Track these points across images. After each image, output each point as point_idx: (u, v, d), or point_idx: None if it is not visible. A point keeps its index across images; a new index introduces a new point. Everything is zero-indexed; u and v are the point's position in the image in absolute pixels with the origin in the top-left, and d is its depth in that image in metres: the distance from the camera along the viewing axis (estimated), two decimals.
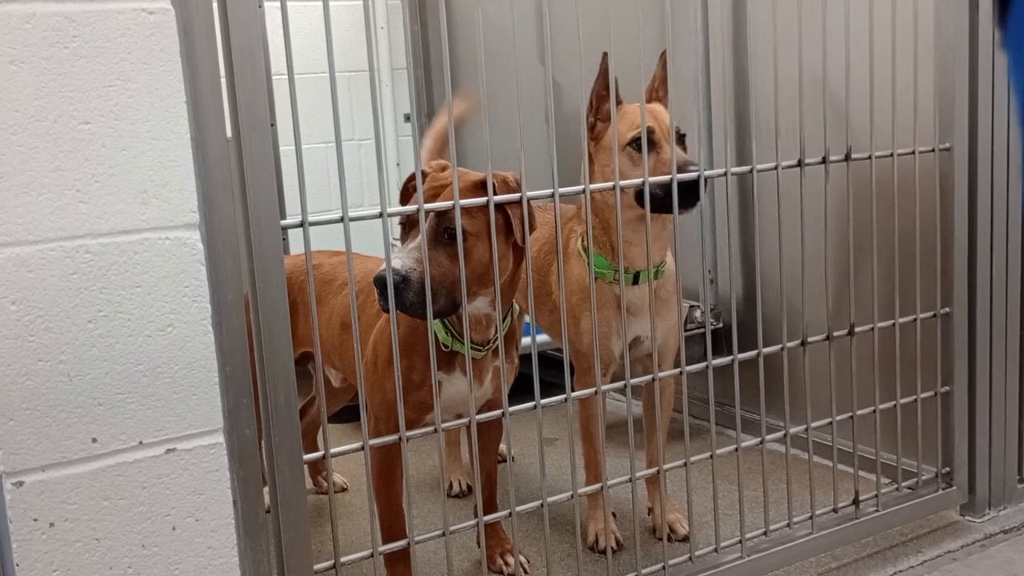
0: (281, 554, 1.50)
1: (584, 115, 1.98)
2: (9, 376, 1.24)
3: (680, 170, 1.83)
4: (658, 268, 2.09)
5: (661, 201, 1.85)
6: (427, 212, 1.66)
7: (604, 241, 2.08)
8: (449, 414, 1.90)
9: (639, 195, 1.90)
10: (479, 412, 1.77)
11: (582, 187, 1.74)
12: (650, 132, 1.93)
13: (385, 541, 1.85)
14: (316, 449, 2.61)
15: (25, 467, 1.26)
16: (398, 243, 1.76)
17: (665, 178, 1.81)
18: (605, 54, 1.85)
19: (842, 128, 1.96)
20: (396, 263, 1.66)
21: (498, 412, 1.73)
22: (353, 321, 1.55)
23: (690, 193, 1.83)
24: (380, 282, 1.65)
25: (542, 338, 2.70)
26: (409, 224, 1.75)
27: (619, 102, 2.01)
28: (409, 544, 1.68)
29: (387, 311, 1.63)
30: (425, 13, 3.96)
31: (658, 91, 2.09)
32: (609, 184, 1.80)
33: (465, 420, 1.71)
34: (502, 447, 2.87)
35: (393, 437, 1.64)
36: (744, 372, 1.94)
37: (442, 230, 1.71)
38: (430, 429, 1.66)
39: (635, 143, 1.98)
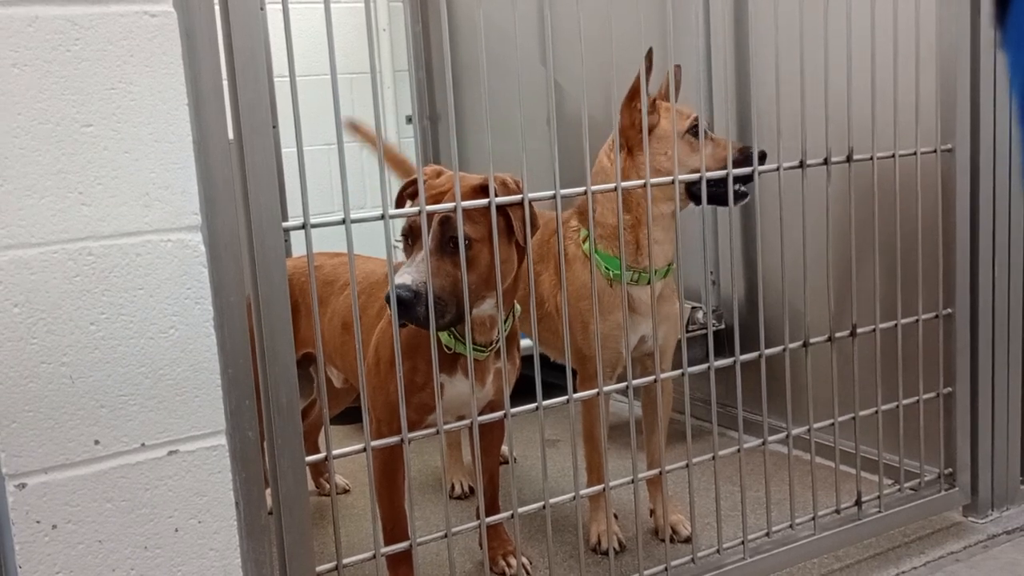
0: (283, 556, 1.51)
1: (619, 110, 2.00)
2: (12, 378, 1.25)
3: (742, 154, 1.93)
4: (669, 266, 2.09)
5: (721, 187, 1.91)
6: (430, 220, 1.66)
7: (630, 239, 2.07)
8: (451, 415, 1.90)
9: (691, 187, 1.95)
10: (480, 414, 1.77)
11: (583, 188, 1.74)
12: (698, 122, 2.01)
13: (388, 542, 1.85)
14: (318, 451, 2.61)
15: (28, 469, 1.26)
16: (399, 245, 1.76)
17: (721, 173, 1.88)
18: (651, 49, 1.94)
19: (844, 129, 1.96)
20: (407, 278, 1.65)
21: (500, 414, 1.73)
22: (355, 324, 1.55)
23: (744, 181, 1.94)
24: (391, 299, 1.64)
25: (525, 343, 2.70)
26: (412, 236, 1.74)
27: (653, 99, 2.03)
28: (412, 546, 1.68)
29: (403, 325, 1.63)
30: (427, 15, 3.96)
31: (665, 99, 2.10)
32: (640, 182, 1.82)
33: (467, 422, 1.71)
34: (504, 448, 2.87)
35: (395, 439, 1.64)
36: (746, 373, 1.94)
37: (447, 239, 1.70)
38: (432, 431, 1.67)
39: (692, 131, 2.03)
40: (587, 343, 2.12)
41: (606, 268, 2.10)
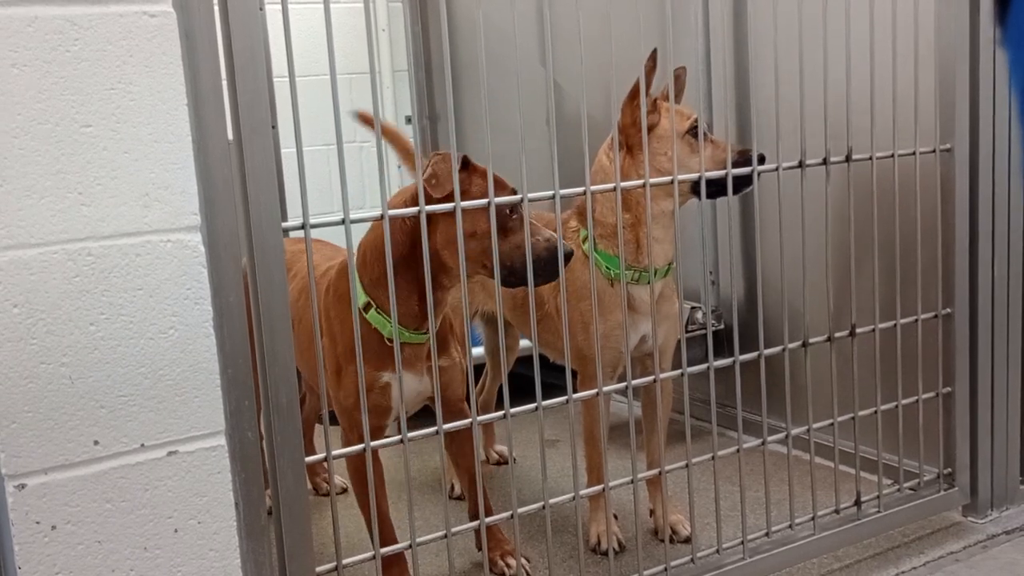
0: (283, 556, 1.51)
1: (620, 108, 2.01)
2: (11, 379, 1.25)
3: (742, 156, 1.92)
4: (669, 266, 2.09)
5: (720, 185, 1.90)
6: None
7: (631, 238, 2.07)
8: (396, 414, 1.90)
9: (694, 185, 1.94)
10: (423, 409, 1.80)
11: (583, 188, 1.74)
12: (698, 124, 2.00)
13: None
14: (313, 450, 2.60)
15: (27, 470, 1.26)
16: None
17: (720, 173, 1.89)
18: (655, 50, 1.95)
19: (843, 129, 1.96)
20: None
21: (499, 414, 1.73)
22: (356, 327, 1.55)
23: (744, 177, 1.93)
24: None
25: (524, 343, 2.70)
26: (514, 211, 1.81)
27: (654, 99, 2.03)
28: (411, 546, 1.68)
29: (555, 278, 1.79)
30: (426, 15, 3.96)
31: (667, 99, 2.09)
32: (640, 182, 1.83)
33: (468, 421, 1.72)
34: (503, 448, 2.87)
35: (395, 439, 1.64)
36: (745, 373, 1.94)
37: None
38: (432, 430, 1.67)
39: (692, 132, 2.03)
40: (587, 343, 2.12)
41: (606, 268, 2.10)
